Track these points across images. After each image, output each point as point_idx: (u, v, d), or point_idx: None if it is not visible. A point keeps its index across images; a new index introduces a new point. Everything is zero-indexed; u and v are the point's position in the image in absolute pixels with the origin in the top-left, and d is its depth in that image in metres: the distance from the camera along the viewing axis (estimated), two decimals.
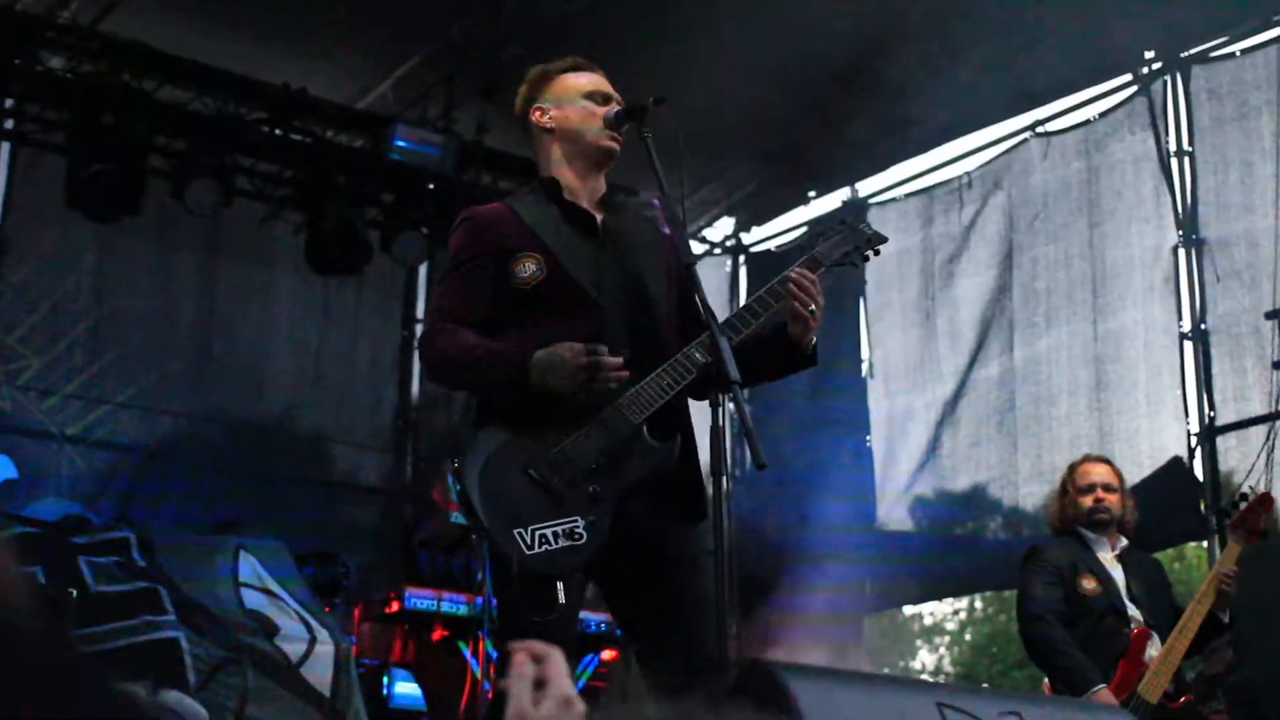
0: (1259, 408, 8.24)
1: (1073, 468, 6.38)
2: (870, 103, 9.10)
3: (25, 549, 7.26)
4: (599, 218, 4.07)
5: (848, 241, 4.13)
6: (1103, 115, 9.41)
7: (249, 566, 7.94)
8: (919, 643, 31.61)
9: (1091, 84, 9.52)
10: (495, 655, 7.28)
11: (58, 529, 7.85)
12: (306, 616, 7.74)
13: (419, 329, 11.12)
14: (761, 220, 12.03)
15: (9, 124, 9.56)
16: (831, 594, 9.64)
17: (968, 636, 30.56)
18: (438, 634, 8.90)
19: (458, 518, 9.16)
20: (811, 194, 11.38)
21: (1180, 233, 8.82)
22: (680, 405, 3.94)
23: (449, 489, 8.94)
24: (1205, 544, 8.78)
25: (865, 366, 10.61)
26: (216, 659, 7.07)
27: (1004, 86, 9.27)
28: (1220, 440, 8.45)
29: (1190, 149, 8.88)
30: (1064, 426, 9.20)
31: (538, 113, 4.13)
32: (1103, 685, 5.74)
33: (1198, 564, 19.87)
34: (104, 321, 9.91)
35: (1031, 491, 9.28)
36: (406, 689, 8.74)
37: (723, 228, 12.18)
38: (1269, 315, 8.15)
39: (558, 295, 3.90)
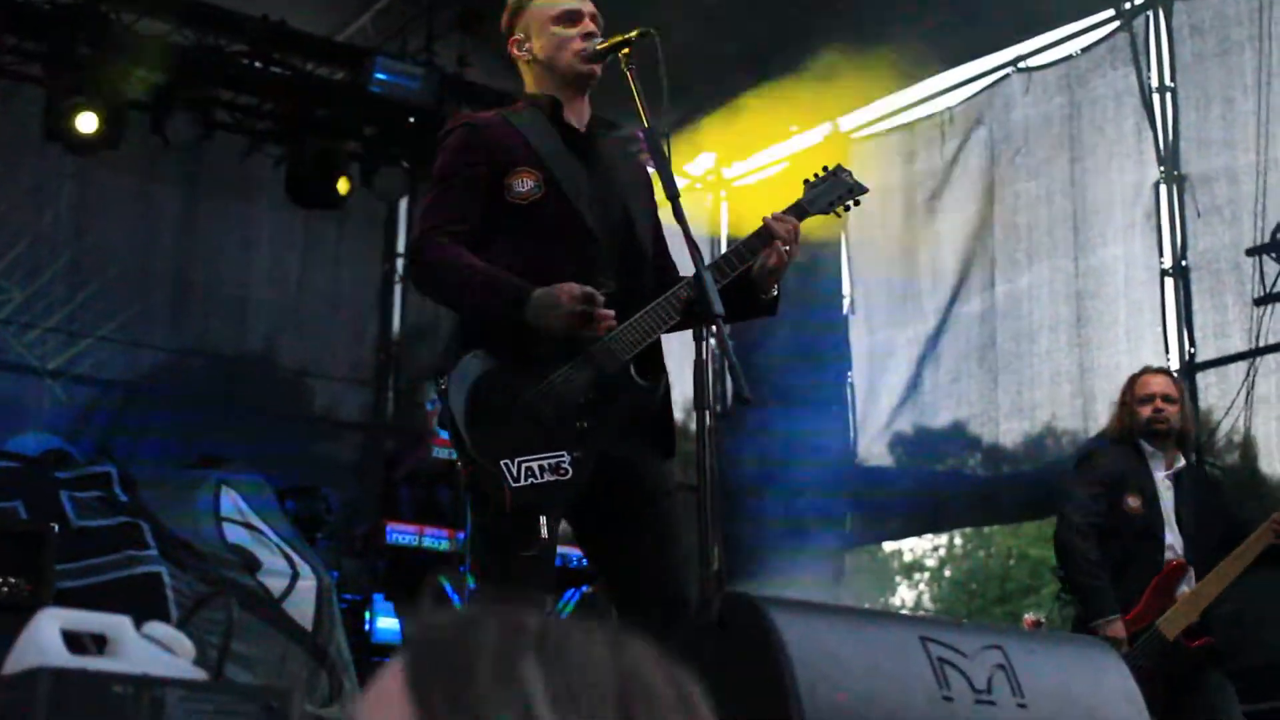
0: (1239, 344, 8.24)
1: (1133, 379, 6.28)
2: (852, 36, 9.03)
3: (6, 483, 7.27)
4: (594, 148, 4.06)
5: (831, 191, 4.13)
6: (1085, 51, 9.34)
7: (231, 501, 7.96)
8: (898, 579, 31.70)
9: (1074, 19, 9.45)
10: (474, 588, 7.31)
11: (39, 464, 7.85)
12: (289, 551, 7.78)
13: (400, 263, 11.09)
14: (744, 154, 11.97)
15: None
16: (813, 529, 9.69)
17: (947, 573, 30.65)
18: (419, 569, 8.93)
19: (440, 452, 9.18)
20: (793, 128, 11.31)
21: (1162, 169, 8.79)
22: (660, 343, 3.94)
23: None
24: None
25: (847, 303, 10.60)
26: (199, 594, 7.10)
27: (986, 21, 9.22)
28: (1200, 377, 8.45)
29: (1172, 85, 8.84)
30: (1044, 363, 9.20)
31: (514, 45, 4.13)
32: (1116, 616, 5.70)
33: None
34: (84, 256, 9.85)
35: (1011, 428, 9.30)
36: (388, 624, 8.79)
37: (703, 162, 12.13)
38: (1250, 251, 8.14)
39: (552, 217, 3.88)
